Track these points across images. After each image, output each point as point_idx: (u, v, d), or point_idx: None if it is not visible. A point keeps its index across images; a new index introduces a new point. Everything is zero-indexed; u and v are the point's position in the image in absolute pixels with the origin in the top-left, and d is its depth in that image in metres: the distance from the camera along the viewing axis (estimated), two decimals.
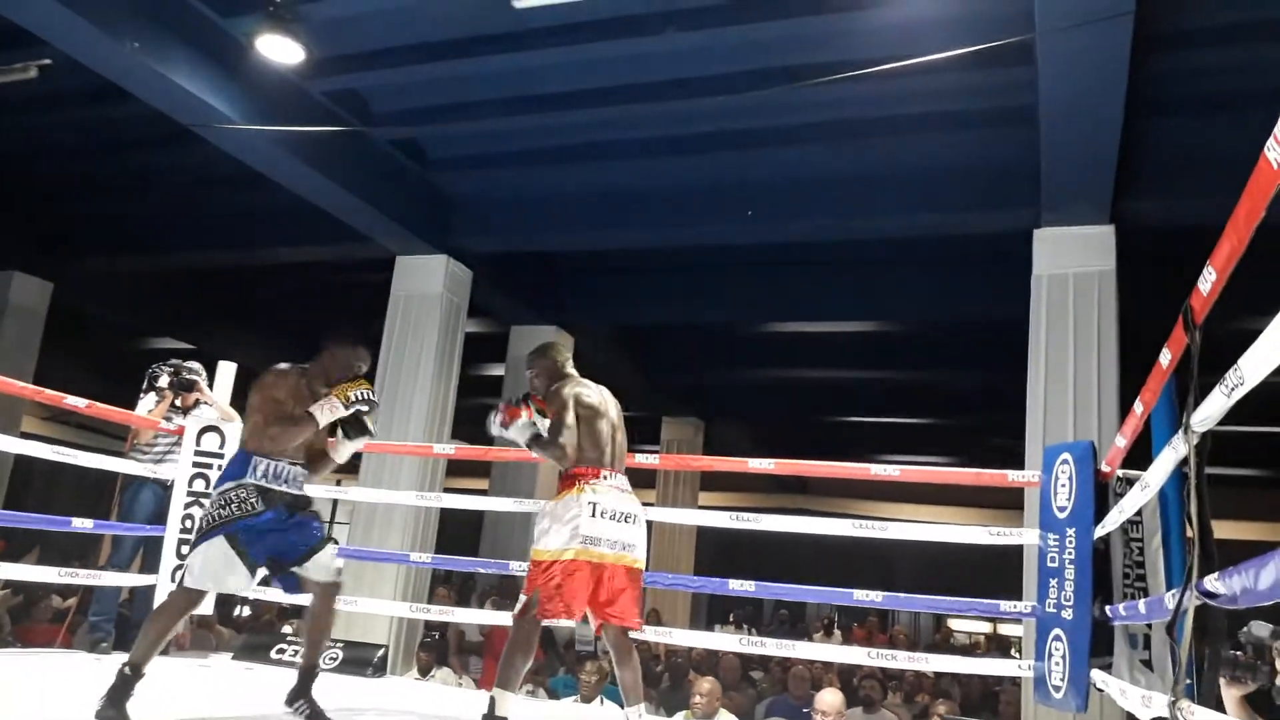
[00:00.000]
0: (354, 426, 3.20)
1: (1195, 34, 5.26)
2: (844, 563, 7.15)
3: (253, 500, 3.03)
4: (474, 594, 9.25)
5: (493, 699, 2.94)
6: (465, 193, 7.94)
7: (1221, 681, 2.60)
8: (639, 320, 10.11)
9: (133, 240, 9.20)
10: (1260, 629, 3.23)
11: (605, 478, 3.12)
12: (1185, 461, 2.17)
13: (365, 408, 3.17)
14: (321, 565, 3.13)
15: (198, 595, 3.04)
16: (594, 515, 3.03)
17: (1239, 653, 2.68)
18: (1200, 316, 2.08)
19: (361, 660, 4.76)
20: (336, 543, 3.27)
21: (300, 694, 3.17)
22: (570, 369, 3.37)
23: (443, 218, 7.97)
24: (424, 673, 6.40)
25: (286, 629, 7.04)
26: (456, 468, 8.24)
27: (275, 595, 7.89)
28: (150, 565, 4.85)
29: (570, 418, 3.14)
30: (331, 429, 3.24)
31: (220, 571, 2.98)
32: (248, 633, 6.71)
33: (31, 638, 6.14)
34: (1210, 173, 5.12)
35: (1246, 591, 1.66)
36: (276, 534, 3.07)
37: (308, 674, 3.20)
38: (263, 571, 3.07)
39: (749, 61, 5.89)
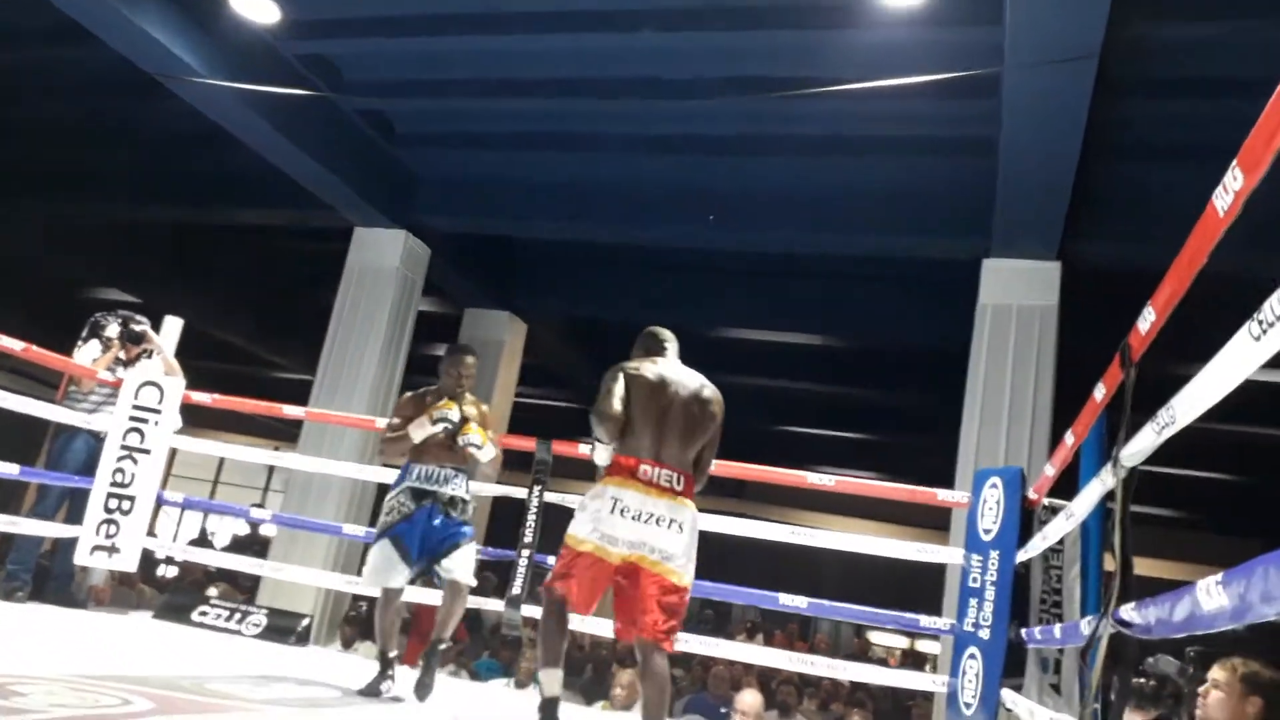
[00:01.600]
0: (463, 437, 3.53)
1: (1156, 84, 5.43)
2: (773, 568, 7.25)
3: (407, 503, 3.47)
4: None
5: (537, 679, 2.98)
6: (430, 170, 7.89)
7: (1126, 710, 2.71)
8: (590, 314, 10.12)
9: (84, 188, 8.97)
10: (1167, 664, 3.37)
11: (644, 472, 2.80)
12: (1111, 495, 2.26)
13: (449, 425, 3.47)
14: (455, 564, 3.43)
15: (390, 594, 3.50)
16: (613, 511, 2.77)
17: (1144, 681, 2.80)
18: (1137, 354, 2.17)
19: (285, 629, 4.73)
20: (477, 547, 3.61)
21: (423, 670, 3.38)
22: (659, 355, 3.12)
23: (405, 193, 7.90)
24: (346, 645, 6.37)
25: (211, 591, 6.95)
26: None
27: (208, 558, 7.84)
28: (74, 516, 4.76)
29: (618, 388, 2.90)
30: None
31: (385, 571, 3.43)
32: (170, 592, 6.62)
33: None
34: (1158, 218, 5.29)
35: (1161, 622, 1.73)
36: (429, 531, 3.44)
37: (428, 653, 3.40)
38: (419, 566, 3.47)
39: (721, 68, 5.94)
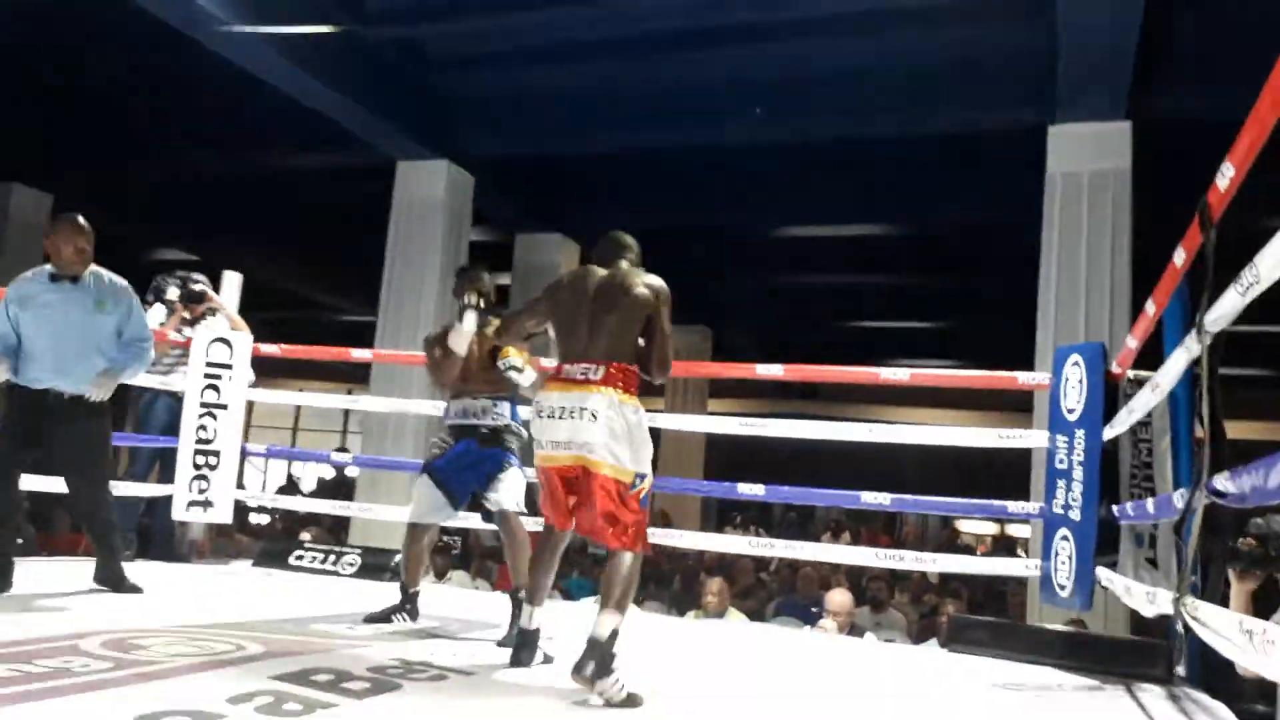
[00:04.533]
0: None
1: None
2: (853, 466, 7.21)
3: (446, 439, 3.49)
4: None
5: (516, 602, 3.01)
6: (465, 94, 7.77)
7: (1231, 575, 2.63)
8: (645, 225, 9.97)
9: (130, 149, 9.07)
10: (1278, 524, 3.25)
11: (563, 371, 2.76)
12: (1197, 362, 2.15)
13: (515, 369, 3.26)
14: (499, 493, 3.39)
15: (417, 529, 3.46)
16: (539, 415, 2.74)
17: (1249, 540, 2.70)
18: (1217, 214, 2.04)
19: (379, 566, 4.84)
20: (521, 470, 3.47)
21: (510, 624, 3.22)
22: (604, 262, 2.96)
23: (443, 121, 7.82)
24: (440, 576, 6.53)
25: (304, 535, 7.17)
26: None
27: (297, 504, 8.09)
28: (166, 476, 4.91)
29: (524, 317, 3.01)
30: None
31: (427, 506, 3.43)
32: (266, 540, 6.85)
33: (55, 545, 6.27)
34: (1233, 63, 4.97)
35: (1256, 490, 1.66)
36: (472, 467, 3.43)
37: (512, 605, 3.27)
38: (464, 502, 3.47)
39: None
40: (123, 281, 3.71)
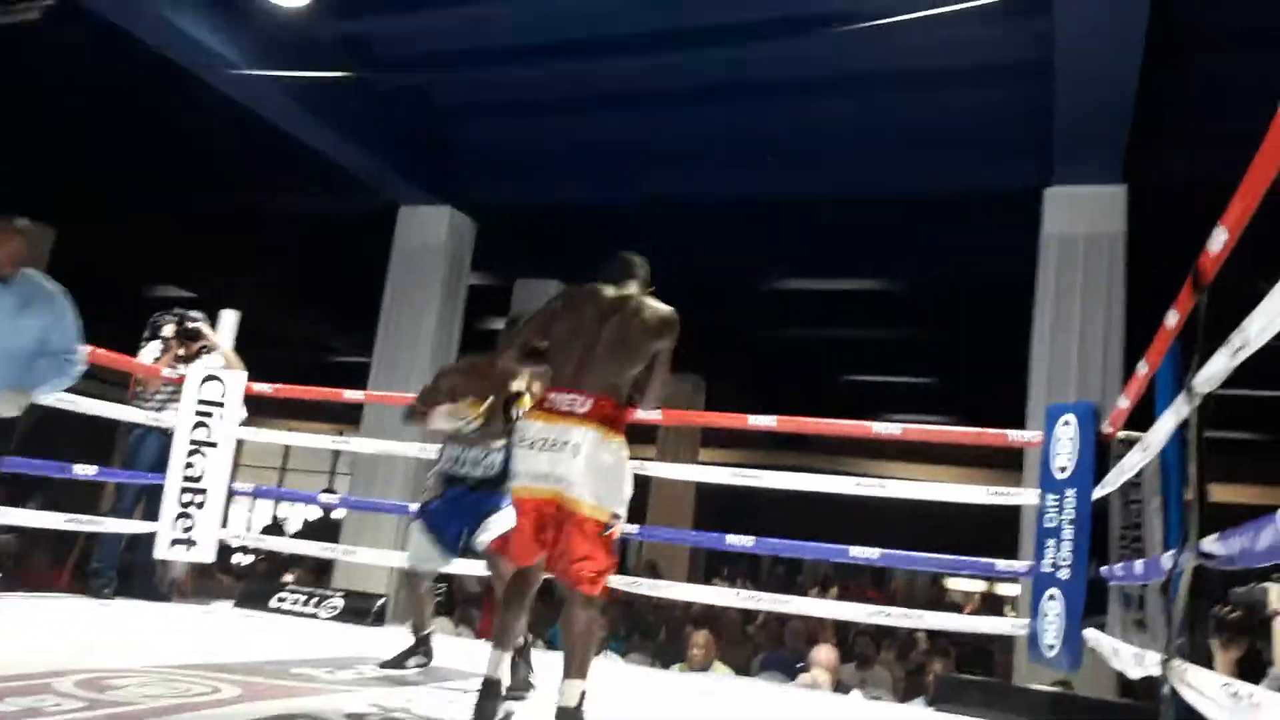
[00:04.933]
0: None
1: None
2: (843, 520, 7.17)
3: (438, 486, 3.54)
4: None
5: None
6: (470, 142, 7.85)
7: (1215, 644, 2.61)
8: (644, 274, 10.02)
9: (135, 186, 9.12)
10: (1260, 592, 3.23)
11: (550, 400, 2.59)
12: (1186, 424, 2.16)
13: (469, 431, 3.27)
14: (486, 532, 3.35)
15: (414, 576, 3.51)
16: (520, 445, 2.59)
17: (1230, 610, 2.69)
18: (1209, 277, 2.06)
19: (361, 610, 4.80)
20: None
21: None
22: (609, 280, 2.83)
23: (446, 167, 7.88)
24: None
25: (287, 577, 7.10)
26: None
27: (282, 545, 8.01)
28: (151, 513, 4.87)
29: (517, 339, 2.80)
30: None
31: (421, 553, 3.45)
32: (248, 581, 6.78)
33: (31, 581, 6.19)
34: (1226, 132, 5.04)
35: (1244, 553, 1.65)
36: (463, 513, 3.42)
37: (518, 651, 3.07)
38: (457, 546, 3.45)
39: (762, 10, 5.80)
40: (56, 287, 3.53)
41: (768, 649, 6.47)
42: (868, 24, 5.32)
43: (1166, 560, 2.34)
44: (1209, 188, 2.83)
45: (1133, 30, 4.75)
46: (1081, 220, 6.25)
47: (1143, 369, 2.91)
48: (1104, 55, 4.97)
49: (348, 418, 12.05)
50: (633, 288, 2.77)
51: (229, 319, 5.55)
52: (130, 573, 4.93)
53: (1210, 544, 1.86)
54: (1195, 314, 2.14)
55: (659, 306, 2.70)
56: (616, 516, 2.54)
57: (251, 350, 5.70)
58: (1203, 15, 5.38)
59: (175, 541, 4.81)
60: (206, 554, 4.95)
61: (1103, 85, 5.23)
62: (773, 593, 4.53)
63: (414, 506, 5.46)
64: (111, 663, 2.83)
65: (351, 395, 5.64)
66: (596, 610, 2.55)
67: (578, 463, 2.48)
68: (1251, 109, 2.12)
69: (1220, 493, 2.04)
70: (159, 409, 4.96)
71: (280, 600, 4.85)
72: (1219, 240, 1.94)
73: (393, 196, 7.91)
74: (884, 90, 6.44)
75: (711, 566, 13.52)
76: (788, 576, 13.36)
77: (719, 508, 14.33)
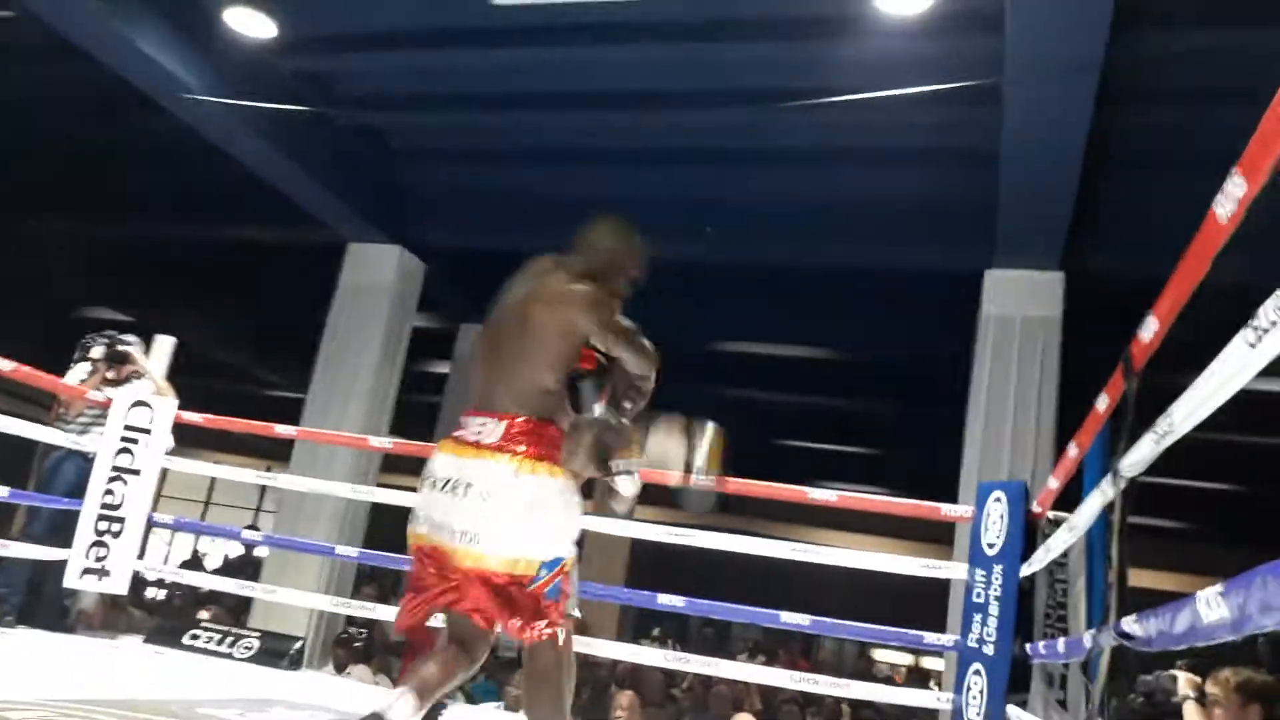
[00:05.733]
0: None
1: (1158, 93, 5.39)
2: (774, 585, 7.16)
3: None
4: (398, 592, 9.12)
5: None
6: (425, 185, 7.85)
7: None
8: None
9: (77, 206, 8.94)
10: (1169, 680, 3.28)
11: (461, 427, 2.15)
12: (1112, 506, 2.20)
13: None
14: None
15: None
16: (423, 480, 2.17)
17: (1137, 697, 2.73)
18: (1139, 364, 2.11)
19: (278, 651, 4.65)
20: None
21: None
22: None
23: (399, 208, 7.86)
24: (340, 669, 6.28)
25: (202, 614, 6.88)
26: (393, 464, 8.11)
27: (200, 580, 7.77)
28: (64, 539, 4.69)
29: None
30: None
31: None
32: (161, 616, 6.55)
33: None
34: (1161, 227, 5.20)
35: (1162, 634, 1.68)
36: None
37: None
38: None
39: (720, 80, 5.92)
40: None
41: (693, 713, 6.40)
42: (822, 100, 5.46)
43: (1087, 640, 2.37)
44: (1141, 280, 2.93)
45: (1077, 129, 4.94)
46: (1020, 303, 6.42)
47: (1073, 451, 2.97)
48: (1049, 149, 5.16)
49: (277, 453, 11.81)
50: (575, 264, 2.28)
51: (165, 345, 5.43)
52: (36, 600, 4.73)
53: (1129, 624, 1.89)
54: (1125, 399, 2.20)
55: (567, 281, 2.24)
56: (552, 563, 2.09)
57: (185, 378, 5.58)
58: (1142, 120, 5.60)
59: (87, 571, 4.62)
60: (119, 585, 4.76)
61: (1046, 177, 5.42)
62: (701, 655, 4.48)
63: (342, 549, 5.36)
64: (5, 694, 2.69)
65: (283, 430, 5.51)
66: (551, 656, 2.11)
67: (485, 509, 2.05)
68: (1182, 210, 2.22)
69: (1144, 578, 2.09)
70: (81, 432, 4.81)
71: (194, 637, 4.67)
72: (1150, 329, 2.01)
73: (342, 233, 7.86)
74: (833, 165, 6.60)
75: (641, 625, 13.38)
76: (717, 639, 13.27)
77: (652, 565, 14.26)
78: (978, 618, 3.66)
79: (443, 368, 10.14)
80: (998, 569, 3.63)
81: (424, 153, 7.55)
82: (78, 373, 4.94)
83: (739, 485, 4.44)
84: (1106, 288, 6.62)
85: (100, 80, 6.20)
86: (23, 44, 6.43)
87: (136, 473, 4.76)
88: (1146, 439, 1.91)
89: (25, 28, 5.69)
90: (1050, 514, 3.60)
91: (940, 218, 6.61)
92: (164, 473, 4.99)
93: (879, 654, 14.80)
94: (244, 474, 7.34)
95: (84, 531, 4.62)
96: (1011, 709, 3.37)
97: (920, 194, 6.60)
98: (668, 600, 4.22)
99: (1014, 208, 5.80)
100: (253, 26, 5.56)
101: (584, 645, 4.82)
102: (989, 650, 3.55)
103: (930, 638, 4.25)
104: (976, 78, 5.00)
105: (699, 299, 9.04)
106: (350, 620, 7.14)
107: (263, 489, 16.99)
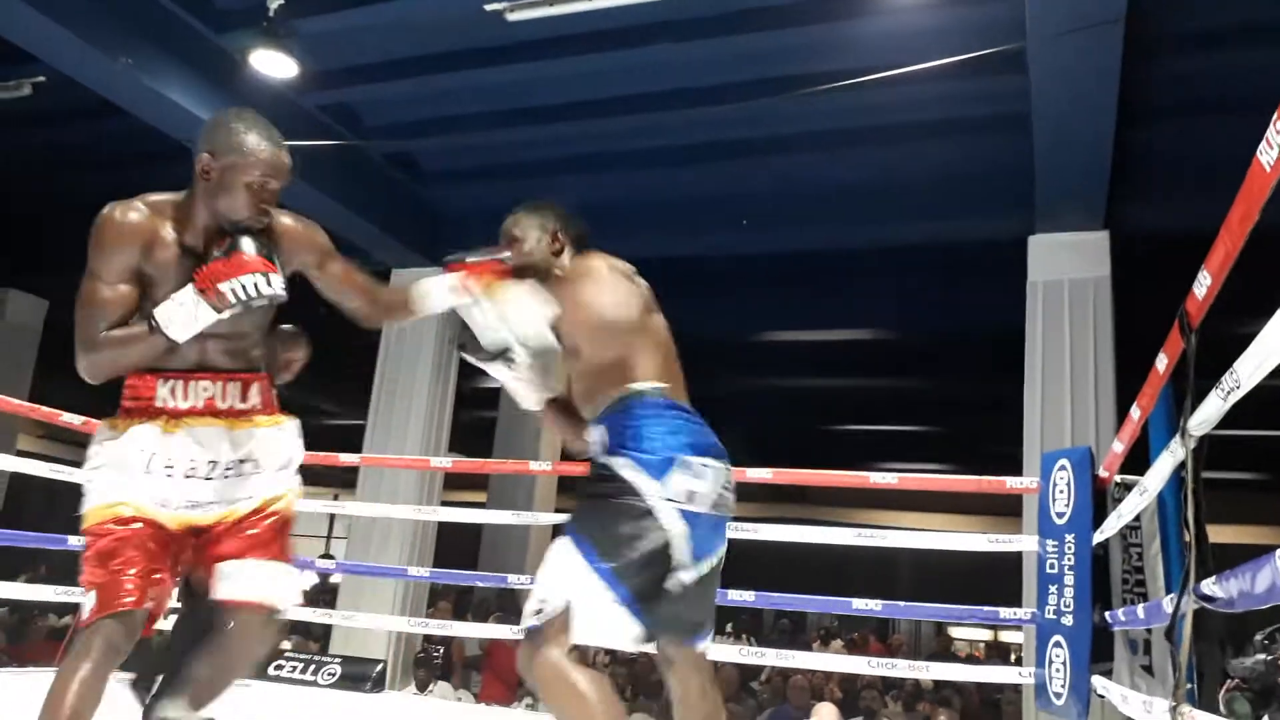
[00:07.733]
0: None
1: (1186, 39, 5.28)
2: (844, 571, 7.13)
3: None
4: (470, 608, 9.22)
5: None
6: (459, 206, 7.93)
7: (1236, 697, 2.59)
8: None
9: None
10: (1256, 664, 3.20)
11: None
12: (1183, 466, 2.17)
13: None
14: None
15: None
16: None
17: (1240, 684, 2.67)
18: (1196, 320, 2.08)
19: (360, 676, 4.73)
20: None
21: None
22: None
23: (436, 231, 7.96)
24: (422, 688, 6.37)
25: (285, 644, 7.00)
26: (454, 481, 8.22)
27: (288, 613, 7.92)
28: None
29: None
30: None
31: None
32: None
33: (29, 656, 6.11)
34: (1204, 177, 5.14)
35: (1243, 595, 1.65)
36: None
37: None
38: None
39: (742, 72, 5.90)
40: None
41: (773, 705, 6.38)
42: (849, 82, 5.43)
43: (1167, 604, 2.34)
44: (1190, 233, 2.88)
45: (1107, 83, 4.85)
46: (1066, 266, 6.32)
47: (1135, 413, 2.92)
48: (1080, 106, 5.07)
49: (343, 481, 12.00)
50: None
51: None
52: (143, 648, 4.86)
53: (1209, 587, 1.86)
54: (1184, 357, 2.16)
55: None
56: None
57: None
58: (1175, 68, 5.49)
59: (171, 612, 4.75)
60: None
61: (1080, 137, 5.33)
62: (777, 648, 4.48)
63: (414, 570, 5.45)
64: None
65: (347, 459, 5.62)
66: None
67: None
68: (1227, 158, 2.17)
69: (1219, 533, 2.04)
70: None
71: (278, 667, 4.78)
72: (1203, 285, 1.97)
73: (384, 261, 7.97)
74: (864, 145, 6.54)
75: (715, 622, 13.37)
76: (791, 631, 13.24)
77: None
78: (1053, 589, 3.62)
79: (494, 383, 10.22)
80: (1069, 538, 3.59)
81: (455, 174, 7.63)
82: None
83: (799, 474, 4.44)
84: (1153, 242, 6.51)
85: (136, 132, 6.35)
86: (61, 105, 6.63)
87: None
88: (1213, 396, 1.88)
89: (60, 89, 5.87)
90: (1118, 478, 3.55)
91: (979, 187, 6.53)
92: None
93: (957, 632, 14.64)
94: (313, 504, 7.49)
95: None
96: (1097, 679, 3.33)
97: (956, 165, 6.52)
98: (738, 595, 4.23)
99: (1051, 170, 5.71)
100: (275, 67, 5.67)
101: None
102: (1068, 621, 3.51)
103: (1005, 613, 4.21)
104: (1001, 43, 4.94)
105: (743, 291, 9.04)
106: (427, 639, 7.25)
107: (332, 516, 17.28)
